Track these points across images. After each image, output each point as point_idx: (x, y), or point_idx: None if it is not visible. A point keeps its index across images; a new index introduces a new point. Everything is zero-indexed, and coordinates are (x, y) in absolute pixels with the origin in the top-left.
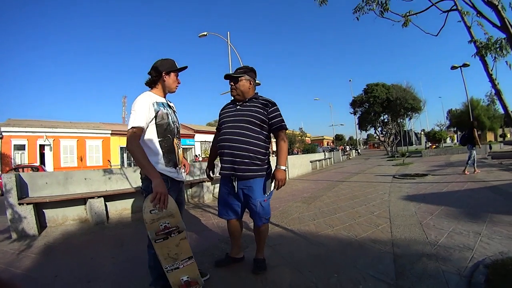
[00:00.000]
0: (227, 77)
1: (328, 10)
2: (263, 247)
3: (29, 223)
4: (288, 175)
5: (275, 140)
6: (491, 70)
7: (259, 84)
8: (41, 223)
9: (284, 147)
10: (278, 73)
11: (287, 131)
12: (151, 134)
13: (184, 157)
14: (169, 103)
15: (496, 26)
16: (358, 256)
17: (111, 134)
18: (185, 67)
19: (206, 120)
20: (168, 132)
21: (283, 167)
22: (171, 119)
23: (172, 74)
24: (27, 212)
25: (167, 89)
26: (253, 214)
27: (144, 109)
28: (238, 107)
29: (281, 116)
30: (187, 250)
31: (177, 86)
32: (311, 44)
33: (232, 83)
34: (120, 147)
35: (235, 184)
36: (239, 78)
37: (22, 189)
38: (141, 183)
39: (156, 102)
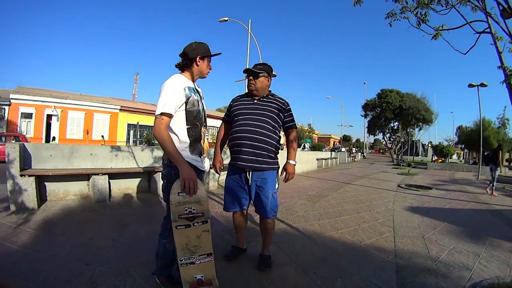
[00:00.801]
0: (247, 71)
1: (353, 12)
2: (269, 243)
3: (29, 196)
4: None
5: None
6: None
7: (275, 76)
8: (41, 196)
9: (295, 144)
10: (293, 67)
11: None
12: (180, 121)
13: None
14: (197, 88)
15: None
16: (362, 263)
17: (120, 109)
18: (219, 53)
19: (216, 106)
20: (197, 120)
21: (293, 162)
22: (200, 106)
23: (206, 59)
24: (28, 185)
25: (199, 74)
26: (264, 206)
27: (175, 94)
28: (256, 101)
29: (293, 116)
30: (208, 245)
31: (209, 72)
32: (330, 43)
33: (251, 78)
34: (128, 124)
35: (249, 176)
36: (260, 74)
37: (25, 160)
38: (162, 169)
39: (188, 87)
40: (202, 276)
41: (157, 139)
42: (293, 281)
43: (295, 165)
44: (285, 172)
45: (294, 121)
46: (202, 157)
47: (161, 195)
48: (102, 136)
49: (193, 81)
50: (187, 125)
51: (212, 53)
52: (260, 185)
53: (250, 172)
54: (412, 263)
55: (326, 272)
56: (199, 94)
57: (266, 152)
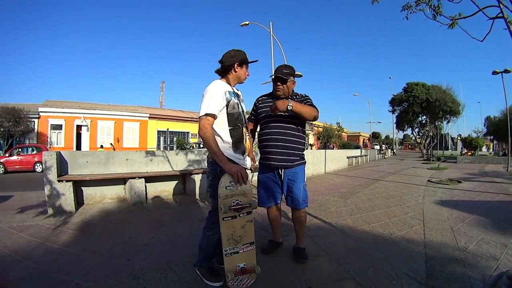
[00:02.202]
0: (277, 78)
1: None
2: (303, 235)
3: (67, 200)
4: (325, 169)
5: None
6: None
7: (300, 76)
8: (78, 200)
9: (309, 109)
10: (319, 67)
11: (324, 124)
12: (222, 123)
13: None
14: (237, 91)
15: None
16: (392, 254)
17: (149, 117)
18: (256, 61)
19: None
20: (238, 122)
21: (291, 104)
22: (240, 108)
23: (244, 66)
24: (66, 189)
25: (237, 80)
26: (297, 197)
27: (217, 97)
28: None
29: (313, 104)
30: (251, 234)
31: (246, 78)
32: (354, 38)
33: (279, 83)
34: (157, 130)
35: (282, 173)
36: (288, 80)
37: (62, 167)
38: (207, 166)
39: (228, 91)
40: (244, 264)
41: (202, 138)
42: (327, 270)
43: (290, 105)
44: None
45: (314, 106)
46: (244, 155)
47: (197, 196)
48: (101, 146)
49: (232, 85)
50: (229, 126)
51: (249, 60)
52: (292, 178)
53: (283, 169)
54: (440, 253)
55: (358, 262)
56: (239, 97)
57: (296, 151)
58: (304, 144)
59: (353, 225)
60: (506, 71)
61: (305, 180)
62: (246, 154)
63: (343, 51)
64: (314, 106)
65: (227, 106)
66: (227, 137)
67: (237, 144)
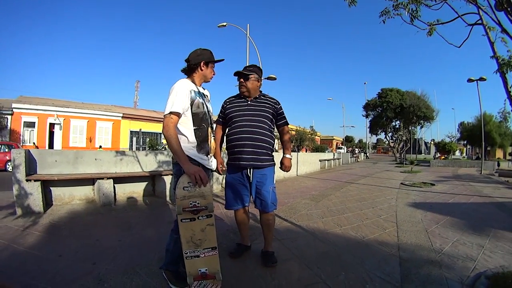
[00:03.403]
0: (237, 73)
1: (349, 11)
2: (271, 239)
3: (35, 200)
4: (297, 171)
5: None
6: (510, 87)
7: (274, 79)
8: (47, 201)
9: (288, 140)
10: (293, 70)
11: (297, 127)
12: (187, 123)
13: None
14: (203, 91)
15: None
16: (365, 257)
17: (122, 117)
18: (222, 60)
19: (216, 111)
20: (203, 122)
21: (289, 156)
22: (206, 108)
23: (210, 65)
24: (34, 189)
25: (203, 78)
26: (266, 200)
27: (182, 95)
28: (250, 102)
29: (284, 114)
30: (212, 238)
31: (212, 77)
32: (329, 43)
33: (242, 80)
34: (130, 131)
35: (251, 174)
36: (249, 76)
37: (31, 166)
38: (172, 167)
39: (193, 91)
40: (206, 270)
41: (165, 137)
42: (297, 275)
43: (291, 158)
44: (282, 165)
45: (285, 119)
46: (208, 156)
47: (167, 198)
48: (100, 146)
49: (198, 85)
50: (194, 126)
51: (215, 59)
52: (260, 180)
53: (251, 170)
54: (415, 255)
55: (329, 266)
56: (205, 97)
57: (265, 150)
58: (273, 145)
59: (324, 228)
60: (481, 79)
61: (274, 182)
62: (211, 154)
63: (319, 55)
64: (285, 117)
65: (191, 105)
66: (192, 137)
67: (202, 144)
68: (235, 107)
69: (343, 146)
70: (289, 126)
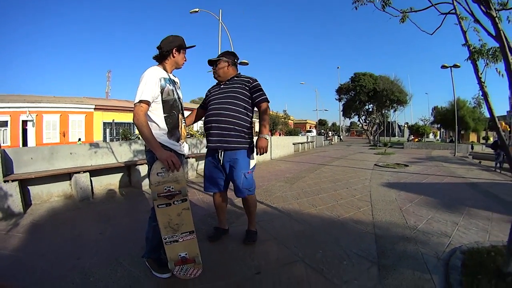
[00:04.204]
0: (208, 62)
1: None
2: (253, 219)
3: (15, 201)
4: (271, 155)
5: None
6: (481, 74)
7: (246, 64)
8: (26, 201)
9: (266, 118)
10: (266, 54)
11: (270, 111)
12: (157, 110)
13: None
14: (174, 78)
15: (491, 35)
16: (341, 235)
17: (95, 109)
18: (194, 46)
19: (190, 97)
20: (173, 108)
21: (265, 136)
22: (176, 95)
23: (182, 51)
24: (13, 190)
25: (174, 65)
26: (237, 185)
27: (151, 83)
28: (222, 86)
29: (263, 91)
30: (189, 222)
31: (184, 63)
32: (302, 29)
33: (213, 67)
34: (103, 122)
35: (221, 157)
36: (218, 62)
37: (7, 165)
38: (145, 156)
39: (163, 78)
40: (186, 254)
41: (136, 126)
42: (275, 254)
43: (266, 139)
44: (256, 147)
45: (264, 95)
46: (180, 141)
47: (143, 188)
48: (79, 139)
49: (169, 72)
50: (164, 113)
51: (187, 46)
52: (232, 165)
53: (222, 153)
54: (390, 232)
55: (306, 245)
56: (175, 84)
57: (234, 132)
58: (250, 127)
59: (299, 208)
60: (455, 66)
61: (251, 167)
62: (182, 140)
63: (292, 40)
64: (264, 93)
65: (161, 92)
66: (163, 124)
67: (172, 131)
68: (211, 94)
69: (312, 129)
70: (268, 103)
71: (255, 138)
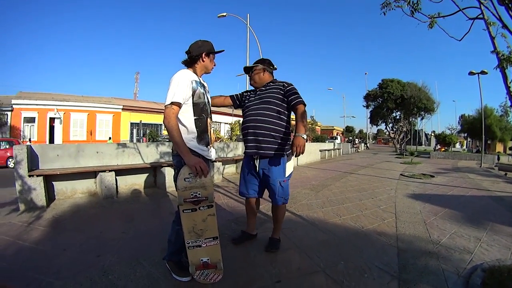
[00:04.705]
0: (244, 69)
1: (352, 3)
2: (279, 227)
3: (38, 195)
4: (297, 162)
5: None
6: (510, 83)
7: (275, 69)
8: (50, 196)
9: (302, 119)
10: (294, 60)
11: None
12: (188, 113)
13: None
14: (203, 82)
15: None
16: (364, 246)
17: (122, 109)
18: (223, 50)
19: None
20: (203, 112)
21: (301, 134)
22: (206, 99)
23: (211, 56)
24: (37, 184)
25: (204, 70)
26: (272, 193)
27: (183, 85)
28: (258, 92)
29: (298, 94)
30: (214, 228)
31: (213, 68)
32: (330, 34)
33: (249, 74)
34: (131, 123)
35: (257, 163)
36: (254, 69)
37: (33, 161)
38: (172, 159)
39: (195, 81)
40: (208, 259)
41: (166, 128)
42: (297, 264)
43: (303, 138)
44: (292, 145)
45: (299, 98)
46: (208, 147)
47: (168, 189)
48: (110, 137)
49: (199, 76)
50: (194, 116)
51: (216, 50)
52: (267, 173)
53: (258, 160)
54: (413, 246)
55: (329, 255)
56: (205, 88)
57: (270, 138)
58: (287, 132)
59: (324, 217)
60: (482, 72)
61: (287, 175)
62: (211, 145)
63: (319, 44)
64: (299, 96)
65: (193, 95)
66: (192, 127)
67: (202, 135)
68: (246, 101)
69: (337, 136)
70: (305, 107)
71: None
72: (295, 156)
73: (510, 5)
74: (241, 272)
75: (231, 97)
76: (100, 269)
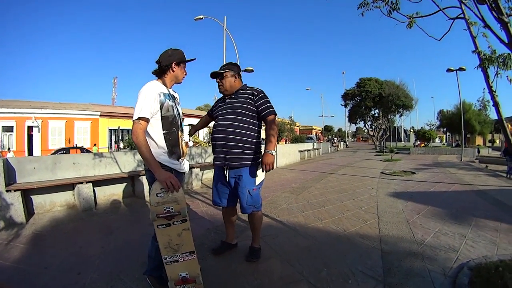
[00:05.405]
0: (212, 75)
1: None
2: (258, 235)
3: (17, 211)
4: (277, 164)
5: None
6: (492, 82)
7: (252, 71)
8: (29, 210)
9: (272, 133)
10: (271, 60)
11: (276, 118)
12: (157, 127)
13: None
14: (173, 93)
15: (503, 42)
16: (347, 251)
17: (100, 115)
18: (194, 59)
19: (196, 104)
20: (173, 125)
21: (271, 151)
22: (176, 111)
23: (181, 65)
24: (15, 199)
25: (174, 80)
26: (241, 202)
27: (150, 99)
28: (227, 100)
29: (269, 103)
30: (189, 243)
31: (184, 77)
32: (307, 34)
33: (218, 80)
34: (109, 129)
35: (227, 173)
36: (224, 74)
37: (10, 175)
38: (145, 174)
39: (163, 93)
40: (186, 274)
41: (135, 144)
42: (279, 273)
43: (272, 154)
44: (261, 163)
45: (269, 108)
46: (180, 159)
47: (146, 198)
48: (95, 144)
49: (169, 86)
50: (163, 130)
51: (187, 59)
52: (237, 181)
53: (227, 170)
54: (397, 248)
55: (311, 262)
56: (175, 100)
57: (238, 149)
58: (257, 142)
59: (305, 222)
60: (460, 69)
61: (257, 183)
62: (183, 158)
63: (296, 45)
64: (270, 106)
65: (161, 108)
66: (162, 142)
67: (173, 149)
68: (217, 108)
69: (311, 136)
70: (275, 116)
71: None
72: (264, 172)
73: (493, 5)
74: (221, 285)
75: (208, 114)
76: (82, 287)
